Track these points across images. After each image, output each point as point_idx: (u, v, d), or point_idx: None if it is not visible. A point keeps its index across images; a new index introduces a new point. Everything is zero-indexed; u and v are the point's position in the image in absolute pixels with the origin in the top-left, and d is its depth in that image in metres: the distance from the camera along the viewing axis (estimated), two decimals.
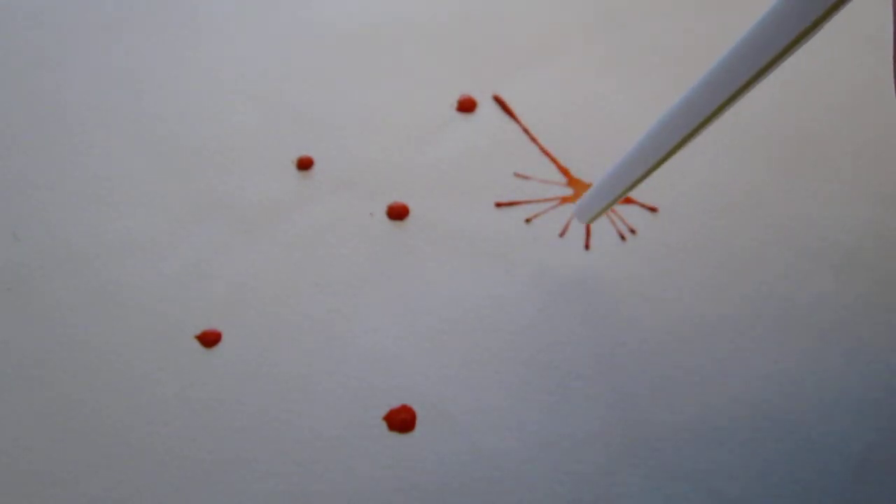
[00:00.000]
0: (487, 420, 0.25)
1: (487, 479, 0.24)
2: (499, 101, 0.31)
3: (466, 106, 0.31)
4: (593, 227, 0.29)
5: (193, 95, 0.30)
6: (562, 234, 0.29)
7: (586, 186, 0.30)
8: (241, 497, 0.24)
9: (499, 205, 0.29)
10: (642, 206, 0.30)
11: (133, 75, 0.30)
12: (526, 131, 0.31)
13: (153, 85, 0.30)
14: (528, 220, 0.29)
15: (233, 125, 0.30)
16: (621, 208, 0.30)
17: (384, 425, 0.25)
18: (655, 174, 0.30)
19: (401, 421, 0.25)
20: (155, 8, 0.32)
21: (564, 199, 0.30)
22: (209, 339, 0.26)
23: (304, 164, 0.30)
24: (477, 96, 0.31)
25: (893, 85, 0.32)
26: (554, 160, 0.31)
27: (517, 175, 0.30)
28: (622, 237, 0.29)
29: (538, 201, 0.30)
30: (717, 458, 0.25)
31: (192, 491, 0.24)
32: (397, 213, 0.29)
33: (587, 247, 0.29)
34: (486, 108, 0.31)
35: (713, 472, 0.25)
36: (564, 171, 0.30)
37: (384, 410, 0.25)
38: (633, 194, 0.30)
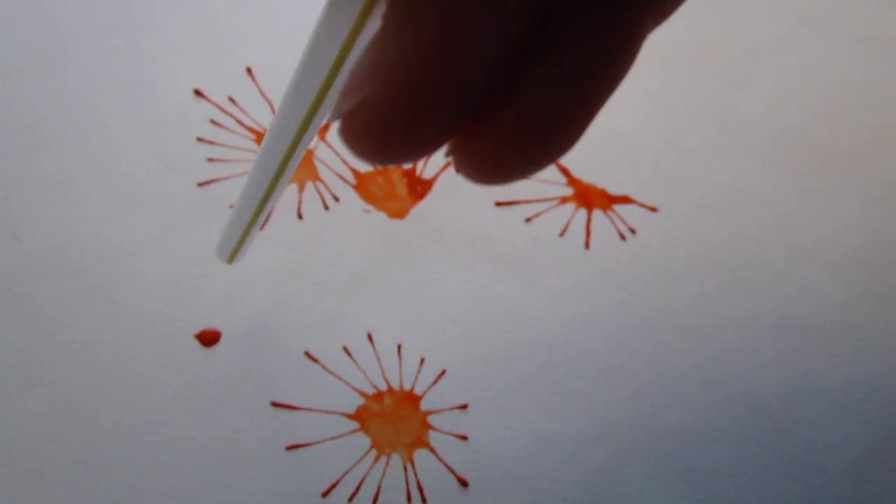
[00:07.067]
0: (487, 420, 0.25)
1: (487, 479, 0.24)
2: None
3: None
4: (593, 226, 0.29)
5: (194, 94, 0.30)
6: (562, 234, 0.29)
7: (586, 186, 0.30)
8: (242, 496, 0.24)
9: (499, 204, 0.29)
10: (642, 205, 0.30)
11: (133, 74, 0.30)
12: None
13: (153, 84, 0.30)
14: (528, 220, 0.29)
15: (233, 124, 0.30)
16: (621, 208, 0.30)
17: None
18: (655, 174, 0.30)
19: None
20: (156, 7, 0.32)
21: (564, 199, 0.30)
22: (209, 338, 0.26)
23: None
24: None
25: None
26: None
27: None
28: (622, 237, 0.29)
29: (538, 201, 0.30)
30: (717, 458, 0.25)
31: (193, 490, 0.24)
32: (397, 211, 0.29)
33: (587, 246, 0.29)
34: None
35: (713, 472, 0.25)
36: (564, 171, 0.30)
37: None
38: (632, 194, 0.30)
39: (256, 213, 0.21)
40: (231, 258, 0.23)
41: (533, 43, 0.15)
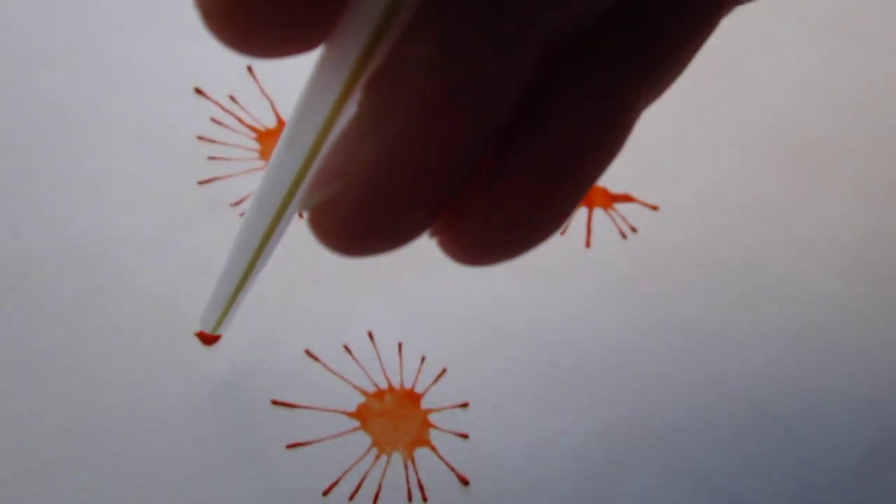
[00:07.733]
0: (488, 418, 0.25)
1: (488, 478, 0.24)
2: None
3: None
4: (594, 225, 0.29)
5: (195, 93, 0.30)
6: (562, 233, 0.29)
7: None
8: (242, 495, 0.24)
9: None
10: (644, 204, 0.30)
11: (134, 73, 0.30)
12: None
13: (153, 84, 0.30)
14: None
15: (234, 123, 0.30)
16: (622, 206, 0.30)
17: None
18: (657, 172, 0.30)
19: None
20: (156, 6, 0.32)
21: None
22: (209, 338, 0.26)
23: None
24: None
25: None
26: None
27: None
28: (623, 235, 0.29)
29: None
30: (718, 457, 0.25)
31: (193, 490, 0.24)
32: None
33: (588, 245, 0.29)
34: None
35: (713, 472, 0.25)
36: None
37: None
38: (633, 193, 0.30)
39: (240, 285, 0.21)
40: (215, 328, 0.23)
41: (522, 121, 0.15)
